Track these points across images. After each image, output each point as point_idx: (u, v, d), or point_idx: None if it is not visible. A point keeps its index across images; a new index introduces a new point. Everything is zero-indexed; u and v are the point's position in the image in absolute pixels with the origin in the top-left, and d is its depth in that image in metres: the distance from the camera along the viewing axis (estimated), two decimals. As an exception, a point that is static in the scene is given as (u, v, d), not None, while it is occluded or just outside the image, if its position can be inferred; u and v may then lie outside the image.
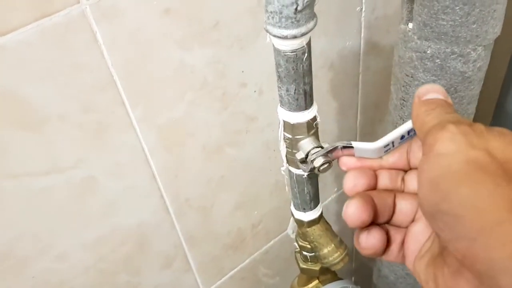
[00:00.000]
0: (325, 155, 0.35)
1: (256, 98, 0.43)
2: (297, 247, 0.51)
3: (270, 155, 0.49)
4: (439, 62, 0.38)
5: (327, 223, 0.47)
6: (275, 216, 0.56)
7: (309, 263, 0.52)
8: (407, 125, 0.34)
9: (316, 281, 0.56)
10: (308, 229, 0.47)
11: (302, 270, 0.54)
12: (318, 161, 0.35)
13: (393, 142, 0.35)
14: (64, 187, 0.35)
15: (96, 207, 0.38)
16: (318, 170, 0.36)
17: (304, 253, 0.51)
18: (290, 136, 0.37)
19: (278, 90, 0.35)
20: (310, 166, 0.37)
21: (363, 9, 0.46)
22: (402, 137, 0.35)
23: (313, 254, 0.50)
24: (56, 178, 0.35)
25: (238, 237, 0.53)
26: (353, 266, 0.83)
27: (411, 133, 0.34)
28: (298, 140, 0.37)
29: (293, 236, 0.59)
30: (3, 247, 0.35)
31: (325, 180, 0.61)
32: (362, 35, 0.48)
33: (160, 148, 0.39)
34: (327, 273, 0.56)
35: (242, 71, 0.40)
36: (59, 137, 0.33)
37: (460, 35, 0.36)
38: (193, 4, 0.34)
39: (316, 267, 0.52)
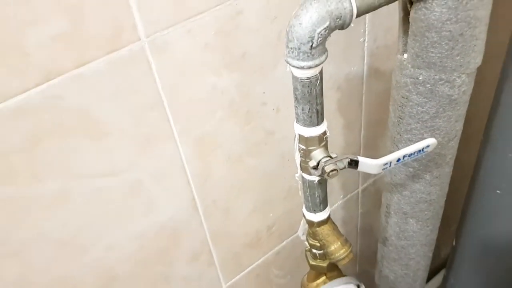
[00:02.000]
0: (334, 163, 0.43)
1: (274, 115, 0.51)
2: (307, 246, 0.58)
3: (285, 164, 0.56)
4: (429, 87, 0.45)
5: (334, 223, 0.54)
6: (288, 219, 0.63)
7: (318, 260, 0.59)
8: (404, 151, 0.42)
9: (324, 277, 0.63)
10: (317, 228, 0.54)
11: (312, 267, 0.61)
12: (328, 168, 0.43)
13: (390, 162, 0.43)
14: (117, 188, 0.43)
15: (140, 206, 0.46)
16: (328, 176, 0.44)
17: (314, 251, 0.58)
18: (304, 147, 0.44)
19: (295, 109, 0.42)
20: (320, 172, 0.44)
21: (366, 40, 0.53)
22: (398, 159, 0.43)
23: (321, 251, 0.57)
24: (112, 180, 0.42)
25: (255, 236, 0.60)
26: (357, 270, 0.90)
27: (405, 157, 0.42)
28: (311, 151, 0.44)
29: (303, 237, 0.66)
30: (67, 236, 0.42)
31: (332, 188, 0.68)
32: (365, 61, 0.55)
33: (194, 157, 0.47)
34: (334, 270, 0.63)
35: (263, 93, 0.48)
36: (116, 146, 0.40)
37: (446, 65, 0.43)
38: (226, 39, 0.42)
39: (324, 264, 0.59)
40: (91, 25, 0.34)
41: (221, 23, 0.41)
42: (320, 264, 0.59)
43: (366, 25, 0.52)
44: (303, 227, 0.66)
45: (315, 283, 0.63)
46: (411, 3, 0.42)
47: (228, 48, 0.42)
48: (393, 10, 0.43)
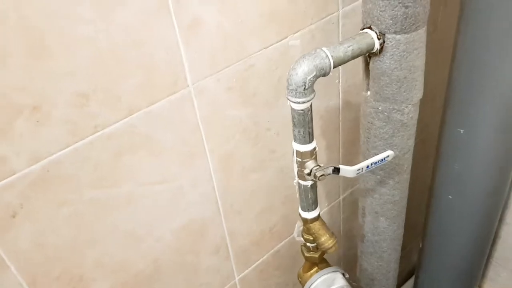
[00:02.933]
0: (322, 170, 0.60)
1: (275, 138, 0.68)
2: (303, 241, 0.74)
3: (283, 176, 0.73)
4: (387, 114, 0.63)
5: (323, 221, 0.71)
6: (285, 222, 0.79)
7: (311, 252, 0.75)
8: (371, 160, 0.60)
9: (316, 268, 0.78)
10: (310, 224, 0.70)
11: (306, 258, 0.77)
12: (318, 174, 0.60)
13: (362, 168, 0.60)
14: (166, 192, 0.59)
15: (180, 206, 0.62)
16: (318, 179, 0.61)
17: (308, 244, 0.74)
18: (300, 160, 0.61)
19: (293, 132, 0.59)
20: (312, 177, 0.61)
21: (340, 81, 0.72)
22: (368, 166, 0.61)
23: (314, 244, 0.73)
24: (163, 186, 0.58)
25: (260, 235, 0.76)
26: (341, 265, 1.05)
27: (372, 165, 0.60)
28: (305, 162, 0.61)
29: (297, 238, 0.82)
30: (131, 229, 0.58)
31: (318, 198, 0.85)
32: (340, 96, 0.74)
33: (219, 169, 0.63)
34: (324, 262, 0.79)
35: (268, 121, 0.65)
36: (168, 161, 0.57)
37: (397, 98, 0.61)
38: (243, 84, 0.59)
39: (316, 255, 0.75)
40: (159, 77, 0.51)
41: (240, 73, 0.58)
42: (313, 255, 0.75)
43: (340, 71, 0.71)
44: (297, 229, 0.82)
45: (309, 273, 0.78)
46: (370, 57, 0.60)
47: (244, 90, 0.60)
48: (358, 61, 0.61)
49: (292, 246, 0.84)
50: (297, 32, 0.61)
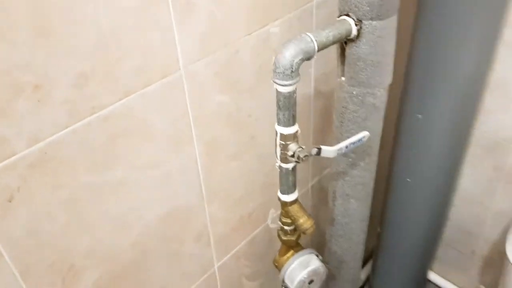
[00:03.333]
0: (305, 151, 0.63)
1: (255, 124, 0.70)
2: (280, 225, 0.77)
3: (261, 163, 0.75)
4: (361, 98, 0.68)
5: (300, 203, 0.74)
6: (262, 209, 0.82)
7: (288, 235, 0.77)
8: (350, 140, 0.64)
9: (292, 251, 0.81)
10: (290, 207, 0.73)
11: (283, 242, 0.79)
12: (302, 154, 0.63)
13: (342, 148, 0.64)
14: (155, 177, 0.59)
15: (168, 192, 0.62)
16: (302, 160, 0.63)
17: (285, 227, 0.76)
18: (283, 143, 0.64)
19: (277, 115, 0.62)
20: (296, 159, 0.64)
21: (313, 70, 0.75)
22: (347, 146, 0.64)
23: (292, 227, 0.76)
24: (153, 172, 0.58)
25: (239, 221, 0.78)
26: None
27: (351, 145, 0.63)
28: (288, 144, 0.64)
29: (271, 225, 0.85)
30: (121, 215, 0.57)
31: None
32: (312, 85, 0.77)
33: (204, 155, 0.64)
34: (298, 246, 0.82)
35: (249, 107, 0.67)
36: (159, 145, 0.57)
37: (371, 82, 0.66)
38: (228, 69, 0.61)
39: (294, 238, 0.78)
40: (154, 59, 0.52)
41: (226, 58, 0.60)
42: (290, 239, 0.78)
43: (312, 60, 0.74)
44: (271, 216, 0.85)
45: (285, 257, 0.81)
46: (346, 44, 0.64)
47: (229, 76, 0.62)
48: (327, 51, 0.64)
49: (266, 233, 0.86)
50: (276, 20, 0.64)
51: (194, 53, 0.56)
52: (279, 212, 0.83)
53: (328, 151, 0.64)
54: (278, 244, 0.80)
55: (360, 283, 1.18)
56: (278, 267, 0.82)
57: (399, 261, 1.14)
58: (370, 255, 1.24)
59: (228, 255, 0.80)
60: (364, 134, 0.67)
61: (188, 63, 0.55)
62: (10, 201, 0.46)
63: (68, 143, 0.48)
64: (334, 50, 0.68)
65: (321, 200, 0.96)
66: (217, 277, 0.79)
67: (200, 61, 0.57)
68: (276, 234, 0.79)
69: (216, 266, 0.78)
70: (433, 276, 1.26)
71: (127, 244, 0.60)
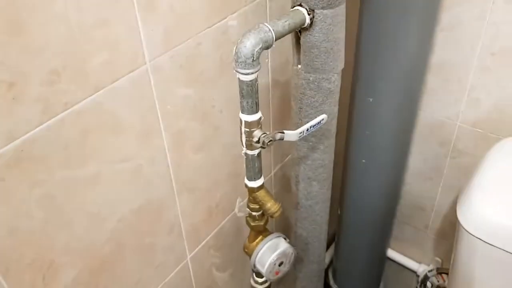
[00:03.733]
0: (270, 136, 0.66)
1: (219, 115, 0.73)
2: (248, 211, 0.80)
3: (226, 153, 0.78)
4: (317, 84, 0.72)
5: (267, 188, 0.77)
6: (228, 198, 0.84)
7: (257, 221, 0.80)
8: (310, 123, 0.67)
9: (261, 236, 0.84)
10: (257, 193, 0.76)
11: (252, 228, 0.82)
12: (266, 139, 0.66)
13: (303, 131, 0.67)
14: (127, 171, 0.61)
15: (139, 185, 0.64)
16: (267, 145, 0.66)
17: (253, 213, 0.79)
18: (248, 130, 0.67)
19: (241, 104, 0.65)
20: (261, 144, 0.67)
21: (269, 60, 0.79)
22: (307, 129, 0.68)
23: (260, 212, 0.79)
24: (124, 165, 0.60)
25: (208, 212, 0.80)
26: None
27: (311, 128, 0.67)
28: (253, 131, 0.67)
29: (239, 214, 0.87)
30: (95, 210, 0.58)
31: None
32: (269, 76, 0.81)
33: (172, 147, 0.66)
34: (266, 231, 0.85)
35: (213, 99, 0.70)
36: (129, 139, 0.59)
37: (325, 68, 0.70)
38: (192, 61, 0.63)
39: (262, 222, 0.81)
40: (121, 54, 0.53)
41: (190, 51, 0.62)
42: (259, 224, 0.81)
43: (269, 51, 0.78)
44: (238, 205, 0.87)
45: (255, 242, 0.84)
46: (300, 33, 0.68)
47: (192, 68, 0.64)
48: (281, 42, 0.68)
49: (234, 223, 0.89)
50: (234, 13, 0.67)
51: (158, 47, 0.57)
52: (245, 201, 0.86)
53: (291, 134, 0.68)
54: (246, 233, 0.83)
55: (325, 266, 1.22)
56: (248, 253, 0.85)
57: (360, 241, 1.20)
58: (332, 239, 1.30)
59: (199, 246, 0.82)
60: (322, 117, 0.71)
61: (153, 57, 0.57)
62: (-12, 200, 0.46)
63: (43, 140, 0.49)
64: (287, 42, 0.72)
65: (283, 187, 1.00)
66: (190, 268, 0.81)
67: (165, 54, 0.59)
68: (243, 223, 0.82)
69: (188, 257, 0.80)
70: (391, 253, 1.33)
71: (104, 239, 0.61)
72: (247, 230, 0.82)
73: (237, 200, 0.86)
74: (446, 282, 1.22)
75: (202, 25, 0.63)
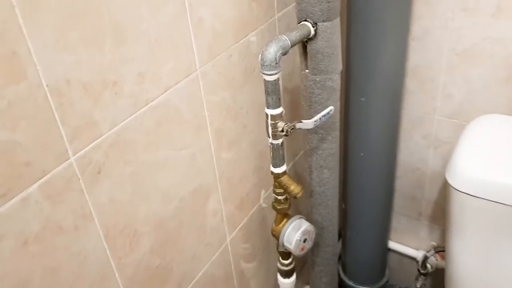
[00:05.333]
0: (292, 125, 0.83)
1: (246, 115, 0.89)
2: (274, 196, 0.95)
3: (253, 149, 0.94)
4: (322, 83, 0.89)
5: (288, 174, 0.93)
6: (255, 190, 0.99)
7: (282, 204, 0.95)
8: (321, 114, 0.84)
9: (286, 219, 0.99)
10: (281, 178, 0.91)
11: (278, 211, 0.97)
12: (289, 128, 0.83)
13: (316, 120, 0.84)
14: (186, 157, 0.76)
15: (193, 171, 0.79)
16: (290, 133, 0.83)
17: (279, 197, 0.94)
18: (273, 122, 0.83)
19: (266, 100, 0.81)
20: (285, 133, 0.83)
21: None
22: (320, 118, 0.85)
23: (284, 196, 0.94)
24: (184, 152, 0.75)
25: (240, 201, 0.95)
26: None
27: (322, 118, 0.84)
28: (277, 123, 0.83)
29: (264, 205, 1.03)
30: (164, 190, 0.73)
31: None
32: (280, 83, 0.98)
33: (215, 140, 0.82)
34: (289, 215, 1.00)
35: (241, 101, 0.87)
36: (187, 130, 0.75)
37: (328, 70, 0.88)
38: (227, 69, 0.80)
39: (287, 205, 0.96)
40: (182, 62, 0.70)
41: (224, 61, 0.79)
42: (284, 206, 0.96)
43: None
44: (263, 196, 1.03)
45: (281, 224, 0.98)
46: (307, 42, 0.86)
47: (227, 75, 0.81)
48: (286, 57, 0.86)
49: (260, 213, 1.04)
50: (254, 31, 0.85)
51: (205, 58, 0.75)
52: (268, 192, 1.01)
53: (308, 123, 0.85)
54: (269, 225, 0.98)
55: (339, 250, 1.36)
56: (276, 235, 0.99)
57: (365, 234, 1.35)
58: (339, 236, 1.44)
59: (235, 231, 0.96)
60: (330, 108, 0.88)
61: (201, 65, 0.74)
62: (99, 173, 0.61)
63: (132, 128, 0.64)
64: (291, 57, 0.90)
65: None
66: (230, 250, 0.95)
67: (208, 63, 0.76)
68: (267, 215, 0.97)
69: (228, 240, 0.94)
70: (392, 244, 1.48)
71: (170, 215, 0.76)
72: (270, 221, 0.97)
73: (262, 192, 1.02)
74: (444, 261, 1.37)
75: (232, 41, 0.80)
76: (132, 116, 0.64)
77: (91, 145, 0.59)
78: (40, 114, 0.52)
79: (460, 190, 0.87)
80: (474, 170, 0.87)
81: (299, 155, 1.16)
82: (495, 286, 0.99)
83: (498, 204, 0.84)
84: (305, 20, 0.84)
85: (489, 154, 0.89)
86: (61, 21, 0.51)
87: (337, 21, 0.85)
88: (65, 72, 0.53)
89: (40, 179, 0.54)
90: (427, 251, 1.37)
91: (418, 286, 1.41)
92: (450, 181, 0.90)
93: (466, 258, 0.99)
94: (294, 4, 0.94)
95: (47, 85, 0.52)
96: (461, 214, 0.91)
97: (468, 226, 0.92)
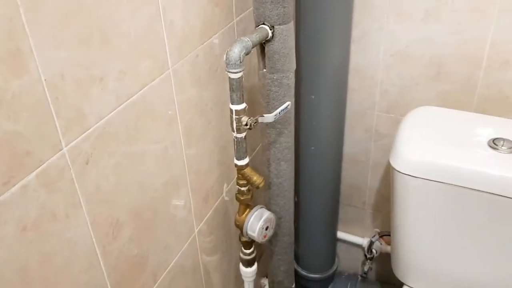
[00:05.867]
0: (254, 120, 0.90)
1: (210, 112, 0.96)
2: (238, 188, 1.01)
3: (216, 144, 1.00)
4: (279, 81, 0.97)
5: (250, 166, 1.00)
6: (218, 183, 1.06)
7: (245, 195, 1.02)
8: (280, 108, 0.93)
9: (248, 209, 1.06)
10: (244, 170, 0.98)
11: (241, 202, 1.03)
12: (253, 122, 0.90)
13: (276, 114, 0.92)
14: (159, 150, 0.81)
15: (165, 164, 0.84)
16: (253, 127, 0.90)
17: (242, 189, 1.01)
18: (238, 117, 0.90)
19: (231, 97, 0.88)
20: (249, 126, 0.90)
21: (238, 71, 1.04)
22: (279, 112, 0.93)
23: (247, 187, 1.01)
24: (157, 146, 0.81)
25: (205, 193, 1.01)
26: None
27: (281, 112, 0.93)
28: (241, 118, 0.90)
29: (226, 198, 1.09)
30: (141, 180, 0.78)
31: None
32: (239, 83, 1.06)
33: (184, 135, 0.88)
34: (251, 206, 1.07)
35: (206, 98, 0.93)
36: (159, 124, 0.80)
37: (284, 68, 0.96)
38: (194, 68, 0.87)
39: (249, 196, 1.03)
40: (157, 61, 0.75)
41: (192, 60, 0.86)
42: (247, 197, 1.03)
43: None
44: (225, 190, 1.09)
45: (244, 214, 1.05)
46: (265, 44, 0.94)
47: (194, 74, 0.87)
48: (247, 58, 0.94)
49: (223, 206, 1.10)
50: (216, 33, 0.92)
51: (175, 57, 0.80)
52: (229, 186, 1.08)
53: (269, 117, 0.93)
54: (231, 216, 1.05)
55: (293, 238, 1.44)
56: (240, 225, 1.06)
57: (315, 226, 1.45)
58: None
59: (202, 222, 1.02)
60: (288, 103, 0.97)
61: (173, 64, 0.80)
62: (87, 164, 0.65)
63: (115, 121, 0.69)
64: (248, 60, 0.98)
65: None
66: (197, 241, 1.01)
67: (179, 62, 0.82)
68: (229, 208, 1.04)
69: (196, 231, 1.00)
70: (339, 234, 1.59)
71: (146, 205, 0.81)
72: (232, 214, 1.04)
73: (224, 186, 1.08)
74: (389, 246, 1.50)
75: (198, 42, 0.87)
76: (115, 111, 0.69)
77: (81, 137, 0.63)
78: (38, 106, 0.56)
79: (403, 172, 0.99)
80: (413, 154, 0.99)
81: (256, 150, 1.24)
82: (439, 263, 1.12)
83: (436, 182, 0.96)
84: (263, 24, 0.92)
85: (425, 139, 1.02)
86: (57, 20, 0.56)
87: (291, 24, 0.94)
88: (60, 67, 0.58)
89: (37, 168, 0.57)
90: (372, 237, 1.49)
91: (366, 270, 1.52)
92: (393, 164, 1.01)
93: (411, 238, 1.11)
94: (249, 10, 1.03)
95: (45, 80, 0.56)
96: (405, 195, 1.03)
97: (411, 206, 1.04)
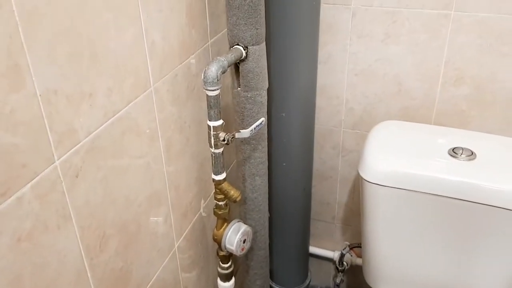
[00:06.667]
0: (231, 135, 0.95)
1: (188, 129, 0.99)
2: (216, 203, 1.05)
3: (194, 160, 1.04)
4: (253, 98, 1.03)
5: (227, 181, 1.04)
6: (196, 199, 1.09)
7: (222, 209, 1.06)
8: (255, 124, 0.98)
9: (226, 223, 1.09)
10: (222, 184, 1.02)
11: (219, 216, 1.06)
12: (229, 137, 0.94)
13: (252, 129, 0.97)
14: (142, 166, 0.84)
15: (148, 177, 0.87)
16: (231, 142, 0.95)
17: (219, 203, 1.04)
18: (215, 133, 0.94)
19: (208, 113, 0.93)
20: (226, 142, 0.95)
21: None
22: (255, 128, 0.99)
23: (224, 201, 1.04)
24: (141, 161, 0.83)
25: (185, 208, 1.04)
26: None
27: (256, 127, 0.98)
28: (219, 133, 0.95)
29: (204, 214, 1.12)
30: (126, 193, 0.80)
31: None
32: (214, 102, 1.10)
33: (165, 151, 0.91)
34: (229, 220, 1.10)
35: (185, 116, 0.97)
36: (142, 140, 0.83)
37: (257, 86, 1.01)
38: (174, 87, 0.91)
39: (227, 210, 1.06)
40: (140, 79, 0.79)
41: (172, 79, 0.90)
42: (224, 211, 1.06)
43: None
44: (202, 206, 1.13)
45: (222, 229, 1.08)
46: (239, 63, 0.99)
47: (174, 92, 0.91)
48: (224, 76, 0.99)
49: (201, 222, 1.13)
50: (193, 54, 0.96)
51: (157, 76, 0.84)
52: (206, 202, 1.11)
53: (245, 132, 0.97)
54: (208, 232, 1.08)
55: (268, 253, 1.47)
56: (218, 239, 1.09)
57: (288, 241, 1.49)
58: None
59: (181, 237, 1.04)
60: (262, 119, 1.02)
61: (154, 82, 0.84)
62: (77, 177, 0.68)
63: (103, 136, 0.72)
64: (222, 79, 1.03)
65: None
66: (177, 256, 1.03)
67: (160, 81, 0.86)
68: (206, 224, 1.07)
69: (176, 246, 1.02)
70: (311, 249, 1.64)
71: (130, 218, 0.83)
72: (209, 230, 1.07)
73: (201, 202, 1.11)
74: (359, 258, 1.55)
75: (177, 62, 0.91)
76: (103, 126, 0.72)
77: (71, 151, 0.66)
78: (34, 120, 0.58)
79: (371, 181, 1.05)
80: (381, 164, 1.06)
81: (230, 167, 1.27)
82: (408, 270, 1.18)
83: (403, 190, 1.03)
84: (237, 44, 0.97)
85: (391, 150, 1.09)
86: (52, 37, 0.59)
87: (263, 45, 1.00)
88: (54, 83, 0.61)
89: (32, 179, 0.59)
90: (343, 249, 1.55)
91: (338, 282, 1.57)
92: (362, 175, 1.07)
93: (381, 245, 1.17)
94: (223, 32, 1.08)
95: (40, 95, 0.58)
96: (374, 203, 1.09)
97: (380, 214, 1.10)
